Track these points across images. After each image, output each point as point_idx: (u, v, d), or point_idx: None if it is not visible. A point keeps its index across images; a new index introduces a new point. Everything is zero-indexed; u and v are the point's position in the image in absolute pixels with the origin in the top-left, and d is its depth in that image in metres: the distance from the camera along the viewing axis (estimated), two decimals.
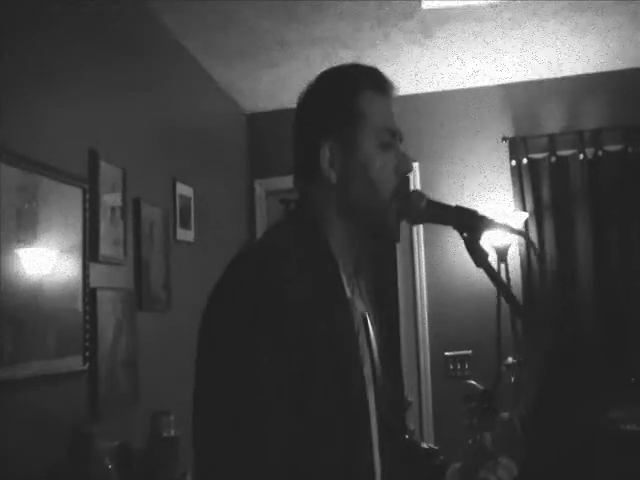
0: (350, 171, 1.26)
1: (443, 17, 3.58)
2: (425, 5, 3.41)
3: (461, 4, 3.39)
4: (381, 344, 1.38)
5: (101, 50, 2.73)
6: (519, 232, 1.43)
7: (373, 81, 1.30)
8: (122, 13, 2.96)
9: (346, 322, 1.20)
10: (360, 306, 1.31)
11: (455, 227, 1.34)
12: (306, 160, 1.29)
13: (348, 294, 1.25)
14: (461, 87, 4.58)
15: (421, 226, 4.31)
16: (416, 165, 4.54)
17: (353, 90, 1.28)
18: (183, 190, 3.47)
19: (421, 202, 1.30)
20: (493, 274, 1.32)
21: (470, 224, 1.32)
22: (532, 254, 4.02)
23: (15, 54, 2.15)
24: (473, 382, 2.58)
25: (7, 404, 2.00)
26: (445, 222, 1.44)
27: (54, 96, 2.36)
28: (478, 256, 1.32)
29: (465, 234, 1.32)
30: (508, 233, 1.36)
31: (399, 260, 4.52)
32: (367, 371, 1.24)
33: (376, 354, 1.32)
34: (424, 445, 2.33)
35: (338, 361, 1.14)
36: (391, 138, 1.28)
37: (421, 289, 4.41)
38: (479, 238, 1.32)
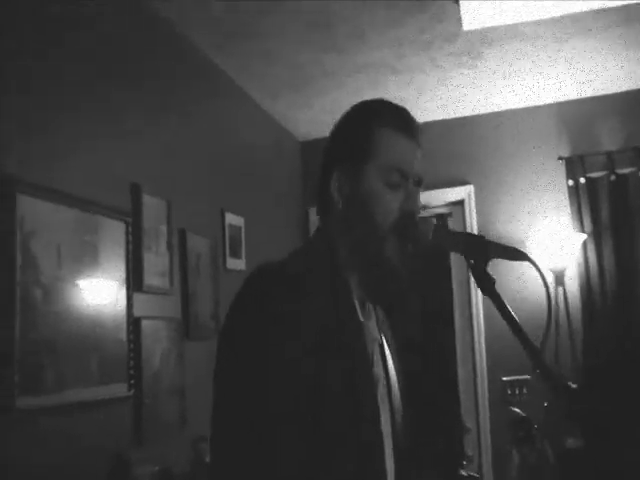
0: (354, 201, 1.29)
1: (488, 38, 3.56)
2: (467, 27, 3.40)
3: (502, 23, 3.36)
4: (400, 371, 1.39)
5: (144, 83, 2.83)
6: (528, 259, 1.39)
7: (394, 120, 1.31)
8: (164, 47, 3.07)
9: (358, 341, 1.22)
10: (374, 332, 1.33)
11: (462, 253, 1.33)
12: (321, 186, 1.34)
13: (360, 318, 1.27)
14: (513, 107, 4.53)
15: None
16: (471, 188, 4.52)
17: (369, 126, 1.31)
18: (233, 220, 3.54)
19: (428, 229, 1.31)
20: (500, 304, 1.31)
21: (477, 251, 1.31)
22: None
23: (59, 97, 2.27)
24: (517, 409, 2.53)
25: (51, 429, 2.08)
26: (453, 248, 1.43)
27: (98, 131, 2.47)
28: (485, 283, 1.31)
29: (472, 261, 1.31)
30: (519, 261, 1.33)
31: (455, 283, 4.47)
32: (381, 392, 1.26)
33: (394, 382, 1.33)
34: (463, 473, 2.29)
35: (349, 377, 1.16)
36: (401, 178, 1.28)
37: (477, 312, 4.34)
38: (486, 265, 1.31)
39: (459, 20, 3.34)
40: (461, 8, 3.22)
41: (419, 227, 1.30)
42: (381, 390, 1.27)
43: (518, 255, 1.35)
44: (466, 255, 1.32)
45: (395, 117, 1.32)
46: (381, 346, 1.34)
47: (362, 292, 1.32)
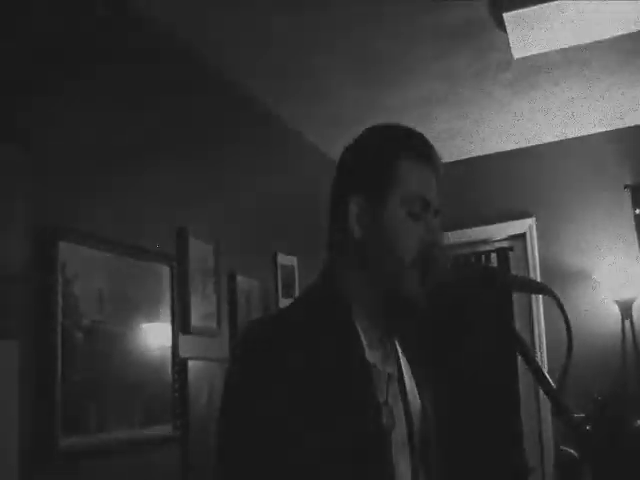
0: (374, 229, 1.25)
1: (543, 65, 3.48)
2: (517, 54, 3.33)
3: (553, 48, 3.28)
4: (428, 397, 1.35)
5: (190, 125, 2.88)
6: (550, 293, 1.34)
7: (415, 148, 1.29)
8: (210, 89, 3.12)
9: (362, 385, 1.19)
10: (389, 367, 1.29)
11: (479, 287, 1.30)
12: (336, 213, 1.31)
13: (368, 358, 1.23)
14: (574, 135, 4.40)
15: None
16: (532, 220, 4.41)
17: (390, 154, 1.28)
18: (285, 260, 3.55)
19: (447, 263, 1.28)
20: (517, 337, 1.27)
21: (494, 284, 1.28)
22: None
23: (102, 145, 2.35)
24: (569, 449, 2.41)
25: (95, 469, 2.12)
26: (469, 282, 1.39)
27: (143, 177, 2.53)
28: (500, 317, 1.28)
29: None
30: (541, 294, 1.28)
31: (517, 321, 4.34)
32: (399, 433, 1.22)
33: (417, 416, 1.29)
34: None
35: (353, 426, 1.14)
36: (421, 208, 1.26)
37: (541, 351, 4.18)
38: (508, 297, 1.28)
39: (509, 48, 3.28)
40: (509, 36, 3.17)
41: (439, 260, 1.27)
42: (399, 431, 1.23)
43: (540, 289, 1.30)
44: (483, 288, 1.29)
45: (416, 145, 1.29)
46: (400, 377, 1.30)
47: (374, 325, 1.29)
